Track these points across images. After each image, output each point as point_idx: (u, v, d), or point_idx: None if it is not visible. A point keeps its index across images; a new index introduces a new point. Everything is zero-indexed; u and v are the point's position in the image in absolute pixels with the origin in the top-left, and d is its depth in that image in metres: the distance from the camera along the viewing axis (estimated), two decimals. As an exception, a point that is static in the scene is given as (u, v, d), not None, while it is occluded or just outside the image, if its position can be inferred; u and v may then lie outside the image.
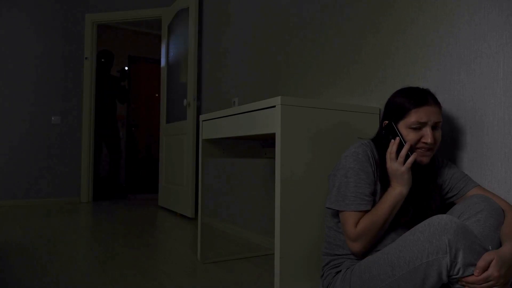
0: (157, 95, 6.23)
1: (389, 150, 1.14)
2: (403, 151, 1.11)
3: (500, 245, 1.01)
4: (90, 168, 4.42)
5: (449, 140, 1.34)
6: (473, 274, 0.91)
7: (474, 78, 1.27)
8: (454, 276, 0.93)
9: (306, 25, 2.10)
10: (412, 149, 1.13)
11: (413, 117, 1.12)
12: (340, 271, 1.17)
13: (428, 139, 1.11)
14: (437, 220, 0.94)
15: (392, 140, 1.14)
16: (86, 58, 4.37)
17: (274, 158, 2.21)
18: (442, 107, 1.19)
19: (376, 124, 1.56)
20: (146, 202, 4.50)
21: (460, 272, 0.91)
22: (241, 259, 2.07)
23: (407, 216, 1.13)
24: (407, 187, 1.10)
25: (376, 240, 1.12)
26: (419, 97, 1.14)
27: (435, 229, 0.93)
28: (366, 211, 1.12)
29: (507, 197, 1.16)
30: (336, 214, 1.21)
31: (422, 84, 1.43)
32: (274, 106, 1.35)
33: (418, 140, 1.13)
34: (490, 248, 0.98)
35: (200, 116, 1.99)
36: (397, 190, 1.10)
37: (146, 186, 6.00)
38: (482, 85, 1.24)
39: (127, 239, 2.51)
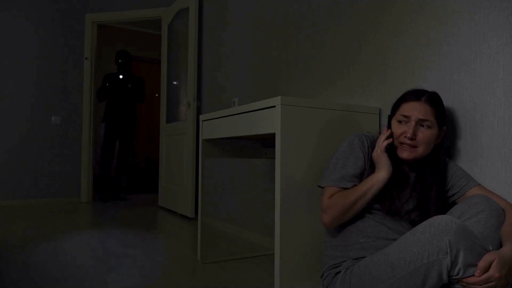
0: (157, 95, 6.23)
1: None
2: (383, 138, 1.18)
3: (500, 245, 1.01)
4: (90, 168, 4.42)
5: (449, 140, 1.33)
6: (473, 275, 0.91)
7: (474, 78, 1.27)
8: (454, 277, 0.93)
9: (306, 25, 2.10)
10: (391, 137, 1.19)
11: (399, 111, 1.19)
12: (340, 271, 1.17)
13: (408, 133, 1.14)
14: (438, 220, 0.94)
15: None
16: (86, 58, 4.37)
17: (274, 158, 2.21)
18: (444, 110, 1.20)
19: (376, 123, 1.56)
20: (146, 202, 4.50)
21: (461, 273, 0.91)
22: (241, 259, 2.07)
23: (392, 202, 1.16)
24: (384, 172, 1.15)
25: (346, 218, 1.16)
26: (413, 93, 1.19)
27: (435, 229, 0.93)
28: (344, 189, 1.18)
29: (507, 197, 1.15)
30: None
31: (422, 84, 1.43)
32: (274, 106, 1.35)
33: (401, 134, 1.17)
34: (491, 248, 0.98)
35: (200, 116, 1.99)
36: (376, 174, 1.16)
37: (146, 186, 6.00)
38: (482, 85, 1.24)
39: (127, 239, 2.50)
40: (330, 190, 1.19)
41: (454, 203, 1.21)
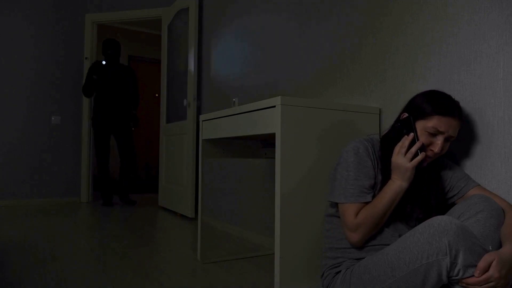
0: (157, 95, 6.23)
1: (400, 143, 1.14)
2: (414, 148, 1.11)
3: (500, 245, 1.01)
4: (90, 168, 4.42)
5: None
6: (473, 275, 0.91)
7: (474, 78, 1.27)
8: (454, 277, 0.93)
9: (306, 24, 2.10)
10: (422, 148, 1.13)
11: (434, 122, 1.11)
12: (340, 271, 1.17)
13: (436, 148, 1.11)
14: (437, 221, 0.94)
15: (406, 136, 1.14)
16: (86, 58, 4.37)
17: (274, 158, 2.21)
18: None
19: (376, 123, 1.56)
20: (146, 202, 4.50)
21: (460, 274, 0.91)
22: (241, 259, 2.07)
23: (404, 211, 1.14)
24: (407, 183, 1.11)
25: (374, 232, 1.13)
26: (449, 106, 1.12)
27: (435, 230, 0.93)
28: (366, 203, 1.14)
29: (507, 197, 1.15)
30: (336, 207, 1.22)
31: (422, 84, 1.43)
32: (274, 106, 1.35)
33: (428, 145, 1.13)
34: (491, 248, 0.98)
35: (200, 116, 1.99)
36: (397, 183, 1.11)
37: (146, 186, 6.00)
38: (482, 85, 1.24)
39: (127, 239, 2.50)
40: (352, 207, 1.13)
41: (453, 204, 1.21)
